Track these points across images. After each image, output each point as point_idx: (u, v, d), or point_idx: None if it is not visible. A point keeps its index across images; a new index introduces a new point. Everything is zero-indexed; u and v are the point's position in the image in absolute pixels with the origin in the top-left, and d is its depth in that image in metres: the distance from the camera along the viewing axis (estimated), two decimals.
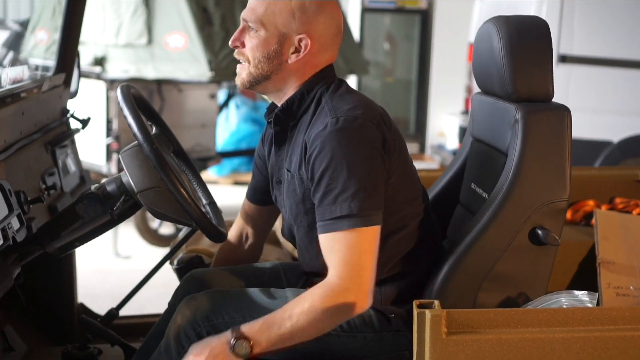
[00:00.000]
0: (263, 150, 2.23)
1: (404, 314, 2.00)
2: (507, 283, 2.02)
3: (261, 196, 2.29)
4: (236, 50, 2.02)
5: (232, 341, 1.85)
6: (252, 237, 2.36)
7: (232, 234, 2.35)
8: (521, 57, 2.04)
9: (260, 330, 1.85)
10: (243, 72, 2.02)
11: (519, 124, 2.02)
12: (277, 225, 2.87)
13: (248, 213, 2.33)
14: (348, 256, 1.84)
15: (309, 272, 2.13)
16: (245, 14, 1.99)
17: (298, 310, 1.85)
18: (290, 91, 2.03)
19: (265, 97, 2.87)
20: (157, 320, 2.28)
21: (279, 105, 2.05)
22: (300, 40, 1.97)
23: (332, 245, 1.87)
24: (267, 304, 2.01)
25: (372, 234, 1.87)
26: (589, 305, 2.00)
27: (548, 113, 2.04)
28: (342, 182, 1.85)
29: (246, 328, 1.86)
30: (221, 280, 2.23)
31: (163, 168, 1.92)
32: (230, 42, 2.03)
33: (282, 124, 2.04)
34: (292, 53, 1.99)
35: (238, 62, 2.03)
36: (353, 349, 2.00)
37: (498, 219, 1.99)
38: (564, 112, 2.04)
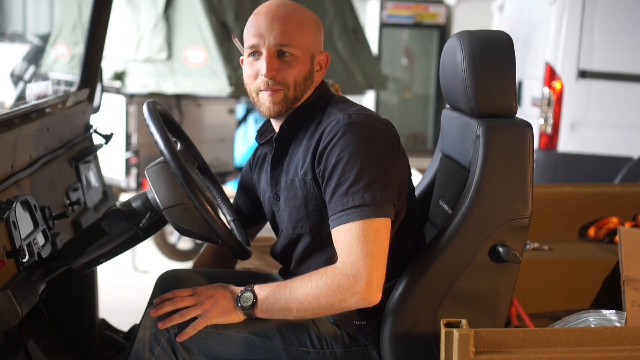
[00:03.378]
0: (251, 175, 2.25)
1: (372, 327, 1.99)
2: (468, 301, 1.99)
3: (242, 218, 2.32)
4: (271, 81, 1.98)
5: (240, 292, 1.92)
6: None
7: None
8: (483, 72, 2.02)
9: (265, 292, 1.91)
10: (278, 99, 1.99)
11: (480, 139, 1.99)
12: None
13: None
14: (355, 244, 1.84)
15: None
16: (277, 39, 1.96)
17: (300, 285, 1.87)
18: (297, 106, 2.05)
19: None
20: (140, 321, 2.26)
21: (281, 122, 2.04)
22: (321, 57, 2.04)
23: (343, 236, 1.86)
24: (243, 327, 1.99)
25: (383, 225, 1.86)
26: (617, 324, 1.99)
27: (509, 129, 2.00)
28: (355, 174, 1.86)
29: (257, 287, 1.93)
30: (196, 281, 2.21)
31: (190, 185, 1.92)
32: (267, 73, 1.96)
33: (285, 137, 2.05)
34: (317, 70, 2.04)
35: (264, 90, 1.98)
36: None
37: (459, 235, 1.96)
38: (525, 128, 2.00)
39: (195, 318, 1.93)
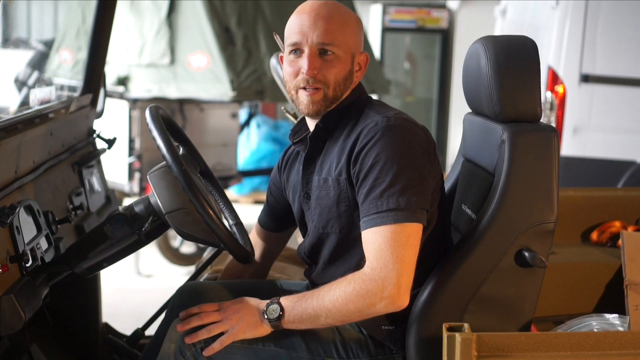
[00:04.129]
0: (279, 177, 2.24)
1: (400, 332, 1.98)
2: (494, 305, 1.99)
3: (273, 223, 2.31)
4: (311, 80, 1.98)
5: (266, 306, 1.91)
6: (260, 259, 2.37)
7: None
8: (508, 77, 2.03)
9: (292, 302, 1.90)
10: (318, 98, 1.99)
11: (506, 144, 2.00)
12: None
13: (258, 237, 2.35)
14: (385, 248, 1.83)
15: (316, 284, 2.10)
16: (320, 38, 1.96)
17: (327, 293, 1.87)
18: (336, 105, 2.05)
19: (290, 117, 2.88)
20: (155, 331, 2.26)
21: (317, 120, 2.04)
22: (361, 57, 2.04)
23: (373, 238, 1.85)
24: None
25: (415, 231, 1.86)
26: (620, 328, 1.99)
27: (535, 134, 2.01)
28: (391, 178, 1.85)
29: (283, 299, 1.92)
30: (216, 293, 2.22)
31: (192, 190, 1.93)
32: (308, 71, 1.97)
33: (321, 136, 2.05)
34: (357, 70, 2.04)
35: (303, 88, 1.98)
36: None
37: (484, 240, 1.96)
38: (551, 133, 2.01)
39: (222, 333, 1.94)
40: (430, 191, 1.93)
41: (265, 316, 1.92)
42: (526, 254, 1.97)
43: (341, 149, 1.98)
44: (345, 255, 2.02)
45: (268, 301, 1.94)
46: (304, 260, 2.18)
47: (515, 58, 2.05)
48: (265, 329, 1.94)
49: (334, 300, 1.86)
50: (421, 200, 1.87)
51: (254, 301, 1.97)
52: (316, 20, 1.97)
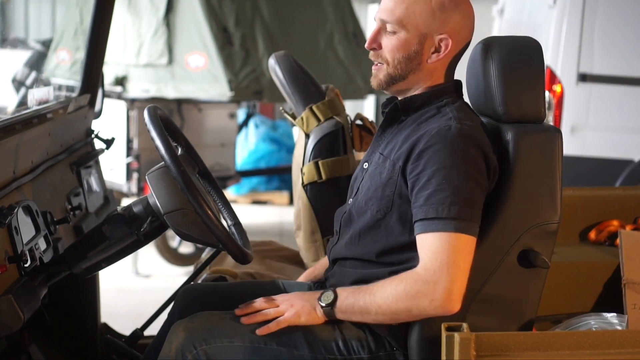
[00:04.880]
0: None
1: (403, 330, 1.99)
2: (497, 305, 2.00)
3: None
4: (372, 52, 2.03)
5: (321, 293, 1.95)
6: None
7: None
8: (513, 78, 2.03)
9: (346, 293, 1.93)
10: (380, 74, 2.03)
11: (510, 145, 2.00)
12: (301, 246, 2.87)
13: None
14: (443, 252, 1.83)
15: (334, 258, 2.13)
16: (382, 15, 1.99)
17: (380, 289, 1.88)
18: (417, 90, 2.05)
19: (288, 117, 2.89)
20: (157, 333, 2.27)
21: (400, 98, 2.06)
22: (440, 40, 1.99)
23: (431, 241, 1.85)
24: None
25: (472, 244, 1.86)
26: (619, 327, 1.99)
27: (539, 134, 2.02)
28: (457, 186, 1.85)
29: (338, 288, 1.95)
30: (219, 294, 2.23)
31: (190, 190, 1.93)
32: (367, 44, 2.03)
33: (396, 114, 2.06)
34: (433, 53, 2.01)
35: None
36: None
37: (487, 239, 1.96)
38: (555, 134, 2.02)
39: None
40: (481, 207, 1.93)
41: (320, 302, 1.95)
42: (529, 254, 1.97)
43: (407, 137, 1.97)
44: (370, 238, 2.03)
45: (322, 291, 1.97)
46: (334, 226, 2.19)
47: (519, 59, 2.05)
48: (319, 316, 1.96)
49: (385, 297, 1.88)
50: (478, 214, 1.88)
51: (308, 293, 2.02)
52: None
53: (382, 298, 1.88)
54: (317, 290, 2.01)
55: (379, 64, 2.03)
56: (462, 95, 2.08)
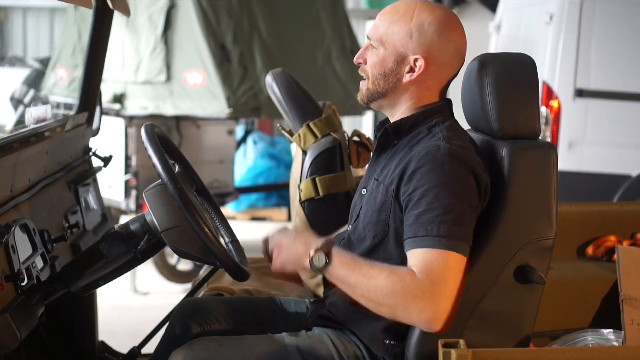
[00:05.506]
0: None
1: (401, 348, 1.98)
2: (493, 322, 1.99)
3: None
4: (360, 67, 2.08)
5: (313, 252, 1.90)
6: None
7: None
8: (507, 94, 2.05)
9: (339, 263, 1.89)
10: (364, 88, 2.08)
11: (505, 161, 2.01)
12: None
13: None
14: (438, 268, 1.82)
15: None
16: (369, 31, 2.06)
17: (378, 274, 1.85)
18: (403, 109, 2.06)
19: (286, 134, 2.89)
20: (154, 350, 2.26)
21: (391, 121, 2.08)
22: (415, 60, 2.01)
23: (423, 256, 1.83)
24: (264, 351, 2.00)
25: (462, 262, 1.86)
26: (615, 343, 1.99)
27: (534, 150, 2.03)
28: (447, 205, 1.85)
29: (336, 250, 1.91)
30: (216, 309, 2.22)
31: (187, 208, 1.93)
32: (354, 59, 2.09)
33: (387, 139, 2.07)
34: (407, 72, 2.02)
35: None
36: None
37: (483, 255, 1.96)
38: (549, 150, 2.03)
39: None
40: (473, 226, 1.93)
41: (313, 263, 1.91)
42: (525, 269, 1.97)
43: (400, 160, 1.98)
44: None
45: (317, 248, 1.91)
46: None
47: (514, 75, 2.07)
48: (306, 272, 1.95)
49: (379, 287, 1.84)
50: (469, 234, 1.88)
51: (301, 243, 1.96)
52: (378, 16, 2.06)
53: (374, 286, 1.84)
54: (313, 242, 1.93)
55: (363, 78, 2.08)
56: (453, 114, 2.09)
